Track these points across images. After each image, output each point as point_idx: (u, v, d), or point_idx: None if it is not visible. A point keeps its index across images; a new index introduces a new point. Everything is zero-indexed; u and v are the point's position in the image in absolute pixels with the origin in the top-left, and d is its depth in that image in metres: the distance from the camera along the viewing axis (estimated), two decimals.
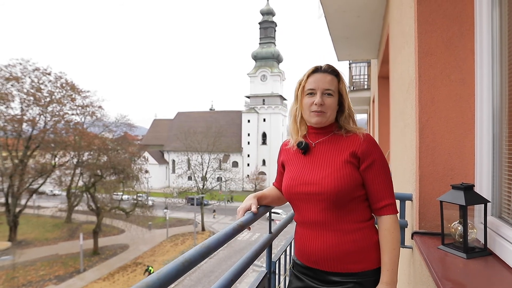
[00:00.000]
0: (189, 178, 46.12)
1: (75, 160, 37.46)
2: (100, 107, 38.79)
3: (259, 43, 76.39)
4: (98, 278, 24.89)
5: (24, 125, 34.41)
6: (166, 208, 44.50)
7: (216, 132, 50.42)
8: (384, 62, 5.13)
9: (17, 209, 33.76)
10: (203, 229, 38.39)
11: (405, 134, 2.37)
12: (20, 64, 33.23)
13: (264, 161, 72.22)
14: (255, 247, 1.78)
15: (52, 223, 41.50)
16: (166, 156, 77.92)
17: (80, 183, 37.22)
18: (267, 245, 1.92)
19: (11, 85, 33.07)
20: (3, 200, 34.38)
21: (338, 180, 1.42)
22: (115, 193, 35.33)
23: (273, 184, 1.89)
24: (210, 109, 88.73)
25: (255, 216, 1.56)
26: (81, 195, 36.39)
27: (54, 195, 59.22)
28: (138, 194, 36.15)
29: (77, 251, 29.45)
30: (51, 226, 40.23)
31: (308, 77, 1.54)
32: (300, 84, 1.56)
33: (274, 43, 76.44)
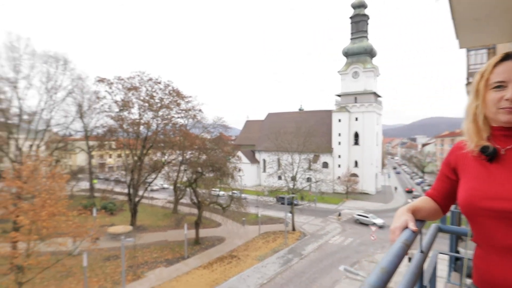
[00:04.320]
0: (279, 178, 46.86)
1: (180, 158, 42.07)
2: (200, 110, 42.68)
3: (351, 39, 72.91)
4: (199, 266, 27.34)
5: (141, 127, 40.15)
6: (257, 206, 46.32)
7: (306, 132, 50.05)
8: None
9: (136, 199, 39.79)
10: (293, 229, 38.57)
11: None
12: (138, 75, 39.01)
13: (356, 163, 68.59)
14: (407, 275, 1.41)
15: (162, 212, 47.60)
16: (257, 155, 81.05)
17: (184, 179, 41.62)
18: (420, 269, 1.59)
19: (132, 94, 39.07)
20: (126, 190, 41.03)
21: None
22: (213, 189, 38.33)
23: (427, 194, 1.60)
24: (300, 109, 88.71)
25: (415, 235, 1.30)
26: (185, 189, 40.65)
27: (163, 188, 67.87)
28: (233, 191, 38.41)
29: (182, 239, 32.96)
30: (161, 215, 46.16)
31: (494, 66, 1.27)
32: (482, 76, 1.30)
33: (366, 37, 71.92)
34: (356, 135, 68.93)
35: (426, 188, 73.69)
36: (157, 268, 26.72)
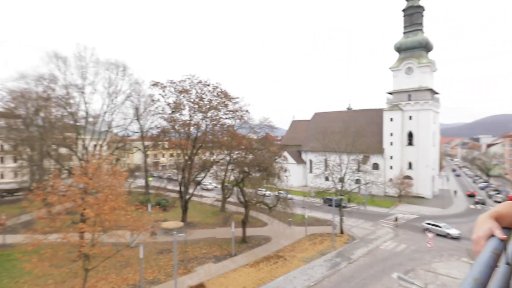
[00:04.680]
0: (326, 179, 45.81)
1: (227, 158, 43.13)
2: (247, 111, 43.34)
3: (403, 32, 68.73)
4: (246, 264, 27.79)
5: (192, 128, 41.90)
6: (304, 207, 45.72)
7: (354, 132, 48.25)
8: None
9: (187, 197, 41.65)
10: (341, 232, 37.44)
11: None
12: (189, 78, 40.79)
13: (410, 164, 64.49)
14: None
15: (211, 210, 49.30)
16: (303, 156, 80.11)
17: (232, 178, 42.59)
18: (506, 284, 1.36)
19: (183, 96, 40.94)
20: (178, 188, 43.17)
21: None
22: (259, 189, 38.68)
23: None
24: (348, 109, 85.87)
25: (504, 244, 1.16)
26: (232, 188, 41.61)
27: (217, 187, 70.07)
28: (279, 191, 38.42)
29: (229, 237, 33.78)
30: (210, 213, 47.81)
31: None
32: None
33: (421, 30, 67.24)
34: (410, 135, 64.79)
35: (492, 193, 66.77)
36: (206, 263, 27.69)
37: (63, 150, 41.87)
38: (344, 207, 41.55)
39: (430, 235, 27.47)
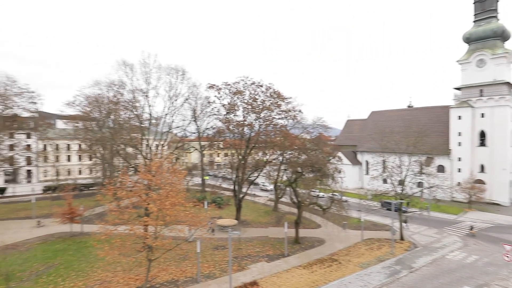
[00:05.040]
0: (384, 181, 43.28)
1: (280, 158, 43.19)
2: (299, 111, 42.99)
3: (474, 21, 62.12)
4: (299, 265, 27.52)
5: (245, 128, 42.81)
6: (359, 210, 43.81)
7: (416, 132, 44.84)
8: None
9: (241, 195, 42.69)
10: (401, 238, 35.12)
11: None
12: (242, 80, 41.75)
13: (482, 167, 58.07)
14: None
15: (264, 209, 49.83)
16: (359, 156, 76.87)
17: (284, 178, 42.52)
18: None
19: (237, 97, 42.04)
20: (232, 187, 44.47)
21: None
22: (312, 190, 38.00)
23: None
24: (409, 106, 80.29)
25: None
26: (285, 188, 41.53)
27: (264, 186, 70.84)
28: (333, 193, 37.39)
29: (282, 236, 33.76)
30: (263, 212, 48.34)
31: None
32: None
33: (496, 17, 60.10)
34: (482, 134, 58.33)
35: None
36: (259, 262, 28.05)
37: (130, 149, 45.85)
38: (405, 211, 38.94)
39: (508, 247, 24.46)
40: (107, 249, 21.22)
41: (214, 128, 47.15)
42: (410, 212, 40.68)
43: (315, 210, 37.38)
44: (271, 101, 41.68)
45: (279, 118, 42.41)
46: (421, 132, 45.30)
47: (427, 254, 30.83)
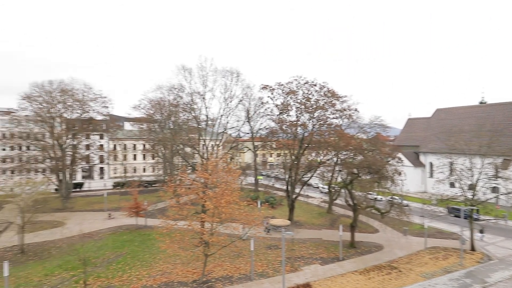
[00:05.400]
0: (452, 185, 39.55)
1: (334, 159, 42.00)
2: (355, 110, 41.37)
3: None
4: (355, 270, 26.43)
5: (298, 128, 42.45)
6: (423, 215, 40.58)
7: (491, 131, 40.19)
8: None
9: (294, 196, 42.42)
10: (472, 248, 31.71)
11: None
12: (295, 80, 41.44)
13: None
14: None
15: (317, 211, 48.89)
16: (422, 158, 71.29)
17: (339, 180, 41.25)
18: None
19: (290, 97, 41.87)
20: (285, 187, 44.44)
21: None
22: (369, 192, 36.22)
23: None
24: (481, 103, 72.31)
25: None
26: (339, 190, 40.28)
27: (318, 187, 69.51)
28: (393, 196, 35.26)
29: (336, 239, 32.80)
30: (316, 213, 47.44)
31: None
32: None
33: None
34: None
35: None
36: (313, 264, 27.58)
37: (188, 149, 48.42)
38: (476, 219, 35.13)
39: None
40: (168, 242, 22.66)
41: (267, 128, 47.54)
42: (483, 220, 36.58)
43: (373, 214, 35.61)
44: (325, 100, 40.76)
45: (333, 118, 41.32)
46: (496, 131, 40.52)
47: (504, 268, 27.43)
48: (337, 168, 40.97)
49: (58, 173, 50.51)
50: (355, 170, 34.47)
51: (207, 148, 38.55)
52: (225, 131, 44.80)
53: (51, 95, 49.52)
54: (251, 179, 69.93)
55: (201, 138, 39.51)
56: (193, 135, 43.29)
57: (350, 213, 36.33)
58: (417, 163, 70.36)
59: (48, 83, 49.87)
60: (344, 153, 39.06)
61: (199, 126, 40.40)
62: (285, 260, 23.25)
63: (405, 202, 40.79)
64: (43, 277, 23.77)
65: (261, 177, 76.79)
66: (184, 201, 24.50)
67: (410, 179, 65.35)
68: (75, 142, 53.84)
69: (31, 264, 26.75)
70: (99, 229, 37.02)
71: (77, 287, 21.81)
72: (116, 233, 35.88)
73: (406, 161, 66.61)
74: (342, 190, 37.91)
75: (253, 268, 24.82)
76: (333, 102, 40.70)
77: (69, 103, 50.95)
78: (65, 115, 51.81)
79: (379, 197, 37.15)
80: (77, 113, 52.40)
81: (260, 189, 63.70)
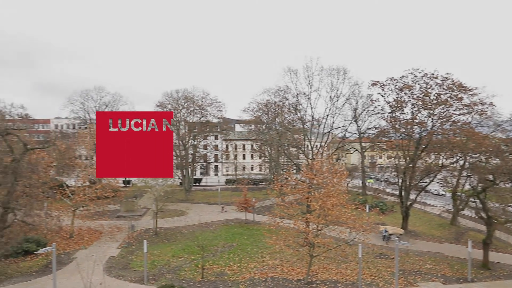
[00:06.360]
0: None
1: (461, 162, 36.06)
2: (491, 103, 34.60)
3: None
4: None
5: (415, 127, 38.05)
6: None
7: None
8: None
9: (408, 202, 38.23)
10: None
11: None
12: (411, 73, 37.29)
13: None
14: None
15: (437, 221, 42.83)
16: None
17: (467, 187, 35.21)
18: None
19: (404, 93, 37.91)
20: (397, 192, 40.49)
21: None
22: (510, 205, 29.75)
23: None
24: None
25: None
26: (468, 199, 34.35)
27: (439, 194, 61.04)
28: None
29: (463, 257, 28.11)
30: (436, 224, 41.59)
31: None
32: None
33: None
34: None
35: None
36: (432, 281, 24.27)
37: (293, 149, 49.27)
38: None
39: None
40: (274, 238, 23.50)
41: (377, 128, 44.20)
42: None
43: None
44: (448, 94, 35.42)
45: (459, 114, 35.50)
46: None
47: None
48: (464, 173, 35.07)
49: (182, 169, 58.34)
50: (490, 176, 28.85)
51: (312, 148, 38.41)
52: (331, 131, 43.76)
53: (177, 102, 57.82)
54: (357, 182, 66.37)
55: (306, 138, 39.61)
56: (298, 135, 43.80)
57: (483, 227, 30.61)
58: None
59: (175, 92, 58.59)
60: (474, 155, 33.13)
61: (305, 127, 40.57)
62: (398, 272, 21.18)
63: None
64: (170, 257, 27.84)
65: (371, 180, 72.08)
66: (290, 200, 25.00)
67: None
68: (195, 143, 61.36)
69: (162, 245, 31.66)
70: (214, 220, 41.15)
71: (197, 270, 24.70)
72: (228, 225, 39.22)
73: None
74: (471, 199, 32.21)
75: (361, 276, 23.45)
76: (459, 96, 35.01)
77: (191, 108, 58.48)
78: (188, 119, 59.61)
79: None
80: (197, 116, 59.64)
81: (368, 192, 59.80)
